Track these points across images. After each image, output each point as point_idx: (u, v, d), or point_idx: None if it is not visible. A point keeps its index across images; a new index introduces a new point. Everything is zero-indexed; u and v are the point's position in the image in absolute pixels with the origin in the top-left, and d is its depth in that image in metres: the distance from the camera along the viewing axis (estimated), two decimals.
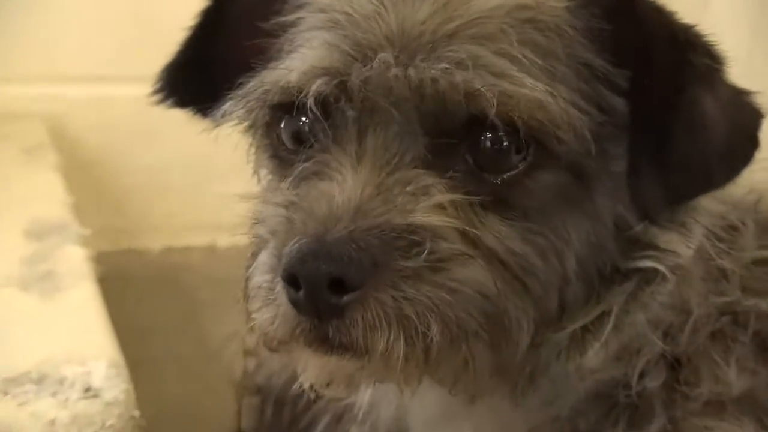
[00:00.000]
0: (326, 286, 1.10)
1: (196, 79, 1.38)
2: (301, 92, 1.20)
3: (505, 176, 1.19)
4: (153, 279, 2.52)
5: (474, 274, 1.16)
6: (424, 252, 1.13)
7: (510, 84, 1.16)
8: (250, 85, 1.26)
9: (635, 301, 1.26)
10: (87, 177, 2.43)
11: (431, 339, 1.13)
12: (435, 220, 1.14)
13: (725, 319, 1.28)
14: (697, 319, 1.27)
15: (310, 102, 1.19)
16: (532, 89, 1.16)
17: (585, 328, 1.25)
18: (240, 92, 1.27)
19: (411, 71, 1.16)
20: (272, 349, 1.23)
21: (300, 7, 1.30)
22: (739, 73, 1.28)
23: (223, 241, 2.45)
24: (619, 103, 1.24)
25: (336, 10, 1.24)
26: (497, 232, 1.18)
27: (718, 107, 1.22)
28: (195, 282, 2.53)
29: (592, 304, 1.25)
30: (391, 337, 1.12)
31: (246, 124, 1.32)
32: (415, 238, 1.13)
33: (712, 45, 1.26)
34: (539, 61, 1.19)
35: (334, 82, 1.19)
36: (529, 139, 1.18)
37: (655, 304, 1.26)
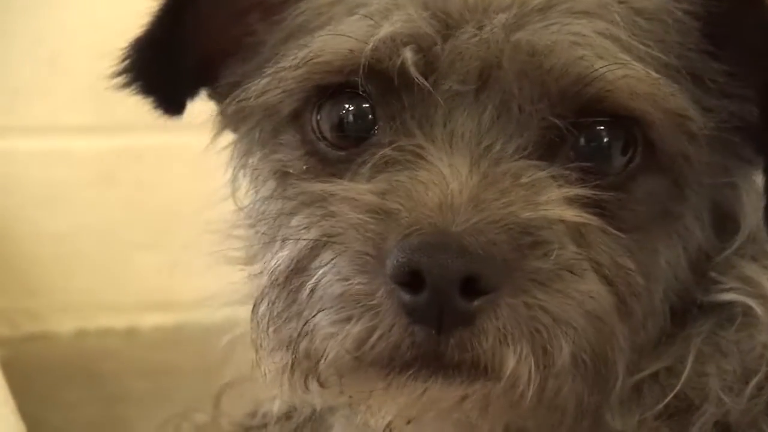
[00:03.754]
0: (458, 287, 1.00)
1: (167, 61, 1.28)
2: (386, 65, 1.10)
3: (610, 178, 1.12)
4: (64, 367, 2.35)
5: (593, 286, 1.08)
6: (553, 253, 1.05)
7: (624, 68, 1.09)
8: (299, 57, 1.15)
9: (711, 346, 1.17)
10: None
11: (557, 362, 1.05)
12: (568, 214, 1.07)
13: None
14: (759, 381, 1.16)
15: (413, 72, 1.09)
16: (649, 79, 1.10)
17: (653, 376, 1.17)
18: (279, 67, 1.17)
19: (533, 38, 1.08)
20: (325, 383, 1.10)
21: None
22: None
23: (147, 323, 2.37)
24: (718, 104, 1.17)
25: None
26: (604, 242, 1.11)
27: None
28: (114, 371, 2.35)
29: (663, 345, 1.17)
30: (524, 354, 1.03)
31: (253, 114, 1.22)
32: (544, 235, 1.05)
33: None
34: (644, 48, 1.13)
35: (430, 52, 1.10)
36: (639, 136, 1.12)
37: (730, 355, 1.17)
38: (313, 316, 1.07)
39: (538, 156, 1.10)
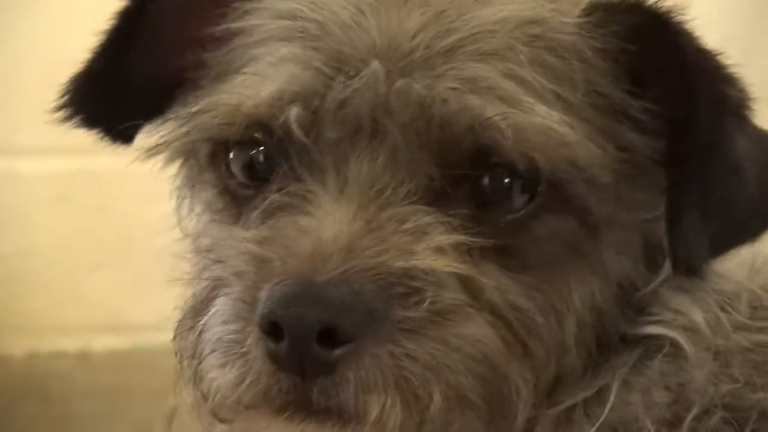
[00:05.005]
0: (315, 337, 1.01)
1: (110, 93, 1.26)
2: (269, 121, 1.11)
3: (509, 219, 1.10)
4: (15, 390, 2.37)
5: (477, 330, 1.07)
6: (425, 301, 1.04)
7: (521, 112, 1.08)
8: (198, 107, 1.15)
9: (637, 377, 1.15)
10: None
11: (431, 407, 1.04)
12: (439, 264, 1.06)
13: (720, 416, 1.15)
14: (696, 415, 1.15)
15: (295, 129, 1.09)
16: (549, 119, 1.08)
17: (581, 405, 1.15)
18: (182, 113, 1.17)
19: (417, 86, 1.07)
20: (224, 420, 1.11)
21: (250, 12, 1.20)
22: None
23: (99, 345, 2.37)
24: (638, 140, 1.14)
25: (302, 17, 1.13)
26: (499, 284, 1.09)
27: (750, 147, 1.15)
28: (66, 392, 2.37)
29: (590, 377, 1.15)
30: (388, 402, 1.03)
31: (179, 153, 1.21)
32: (416, 284, 1.05)
33: (739, 77, 1.18)
34: (552, 87, 1.11)
35: (314, 104, 1.09)
36: (541, 178, 1.10)
37: (657, 385, 1.15)
38: (203, 358, 1.09)
39: (429, 201, 1.10)
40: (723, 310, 1.18)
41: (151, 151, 1.21)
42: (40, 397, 2.36)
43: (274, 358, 1.03)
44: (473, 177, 1.10)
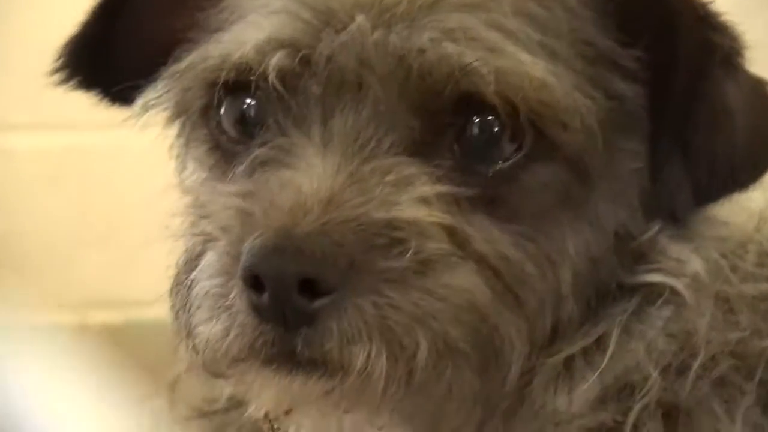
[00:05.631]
0: (296, 288, 1.01)
1: (106, 55, 1.26)
2: (257, 68, 1.10)
3: (497, 167, 1.10)
4: None
5: (465, 279, 1.07)
6: (408, 251, 1.04)
7: (506, 60, 1.08)
8: (189, 60, 1.16)
9: (637, 323, 1.15)
10: None
11: (417, 356, 1.04)
12: (422, 214, 1.06)
13: (730, 364, 1.16)
14: (703, 362, 1.15)
15: (272, 78, 1.09)
16: (533, 67, 1.08)
17: (580, 354, 1.15)
18: (174, 69, 1.17)
19: (393, 38, 1.07)
20: (217, 374, 1.12)
21: None
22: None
23: (93, 321, 2.35)
24: (629, 90, 1.15)
25: None
26: (487, 234, 1.09)
27: (741, 96, 1.14)
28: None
29: (589, 326, 1.15)
30: (373, 352, 1.03)
31: (173, 111, 1.21)
32: (399, 234, 1.05)
33: (732, 26, 1.18)
34: (537, 36, 1.11)
35: (300, 55, 1.09)
36: (527, 126, 1.09)
37: (659, 331, 1.16)
38: (193, 313, 1.09)
39: (413, 152, 1.09)
40: (725, 257, 1.18)
41: (146, 108, 1.21)
42: None
43: (256, 310, 1.03)
44: (458, 126, 1.10)
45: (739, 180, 1.16)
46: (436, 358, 1.06)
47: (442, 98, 1.09)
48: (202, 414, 1.41)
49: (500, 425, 1.16)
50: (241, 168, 1.13)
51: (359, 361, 1.03)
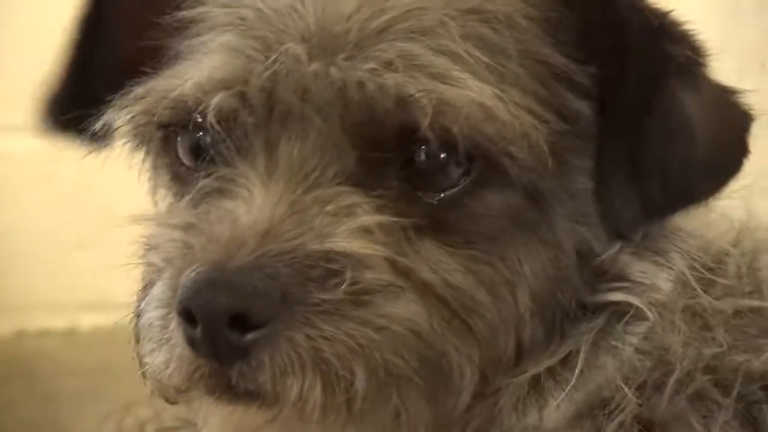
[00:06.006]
0: (226, 323, 1.01)
1: (80, 99, 1.25)
2: (195, 107, 1.11)
3: (443, 195, 1.10)
4: (2, 369, 2.37)
5: (404, 309, 1.07)
6: (344, 283, 1.04)
7: (450, 87, 1.07)
8: (135, 93, 1.15)
9: (604, 341, 1.15)
10: None
11: (355, 386, 1.05)
12: (357, 245, 1.06)
13: (707, 379, 1.16)
14: (679, 378, 1.15)
15: (211, 119, 1.10)
16: (479, 93, 1.07)
17: (547, 373, 1.15)
18: (122, 101, 1.16)
19: (333, 70, 1.08)
20: (169, 400, 1.13)
21: (199, 1, 1.20)
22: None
23: (86, 322, 2.38)
24: (584, 107, 1.14)
25: (244, 5, 1.14)
26: (434, 262, 1.09)
27: (701, 107, 1.13)
28: (52, 370, 2.37)
29: (555, 345, 1.16)
30: (306, 384, 1.04)
31: (136, 141, 1.21)
32: (335, 266, 1.05)
33: (692, 34, 1.17)
34: (486, 59, 1.10)
35: (236, 91, 1.10)
36: (474, 152, 1.09)
37: (629, 348, 1.16)
38: (142, 343, 1.11)
39: (357, 181, 1.10)
40: (696, 271, 1.18)
41: (97, 136, 1.21)
42: (26, 375, 2.36)
43: (191, 343, 1.04)
44: (403, 155, 1.09)
45: (697, 193, 1.15)
46: (379, 386, 1.07)
47: (384, 129, 1.08)
48: (188, 423, 1.41)
49: None
50: (188, 198, 1.14)
51: (293, 393, 1.04)
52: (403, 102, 1.07)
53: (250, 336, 1.02)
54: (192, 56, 1.16)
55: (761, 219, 1.26)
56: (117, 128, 1.20)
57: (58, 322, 2.39)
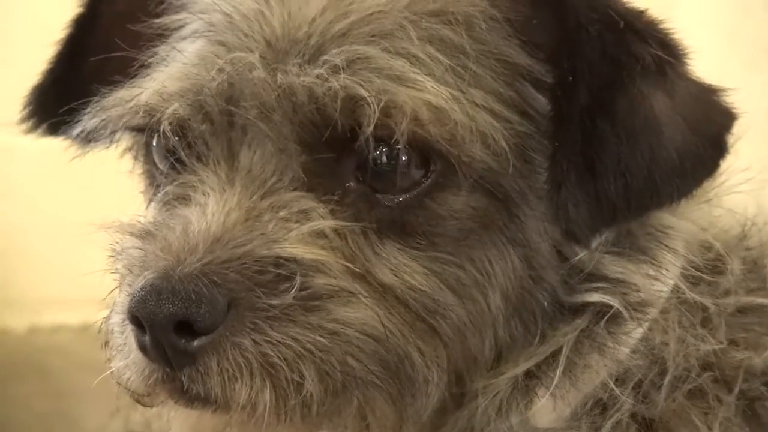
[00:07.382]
0: (171, 329, 1.02)
1: (70, 98, 1.26)
2: (151, 118, 1.13)
3: (402, 198, 1.09)
4: (15, 364, 2.36)
5: (357, 313, 1.07)
6: (293, 288, 1.04)
7: (405, 89, 1.06)
8: (107, 100, 1.17)
9: (589, 340, 1.15)
10: None
11: (307, 389, 1.05)
12: (307, 251, 1.06)
13: (707, 376, 1.15)
14: (676, 375, 1.15)
15: (165, 127, 1.11)
16: (434, 94, 1.06)
17: (530, 374, 1.14)
18: (97, 107, 1.18)
19: (279, 76, 1.08)
20: (141, 403, 1.13)
21: (182, 7, 1.22)
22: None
23: (99, 318, 2.21)
24: (550, 108, 1.12)
25: (216, 10, 1.16)
26: (395, 265, 1.09)
27: (671, 107, 1.11)
28: (65, 366, 2.36)
29: (536, 345, 1.15)
30: (254, 388, 1.04)
31: (122, 146, 1.25)
32: (284, 272, 1.05)
33: (668, 34, 1.15)
34: (446, 61, 1.09)
35: (188, 101, 1.11)
36: (427, 155, 1.08)
37: (618, 347, 1.15)
38: (108, 347, 1.13)
39: (313, 186, 1.09)
40: (686, 267, 1.17)
41: (79, 139, 1.25)
42: (39, 371, 2.36)
43: (143, 349, 1.05)
44: (356, 157, 1.09)
45: (663, 196, 1.11)
46: (335, 390, 1.06)
47: (336, 132, 1.08)
48: None
49: None
50: (153, 204, 1.15)
51: (242, 397, 1.04)
52: (350, 104, 1.06)
53: (196, 342, 1.03)
54: (161, 64, 1.17)
55: None
56: (93, 132, 1.20)
57: (71, 317, 2.38)
